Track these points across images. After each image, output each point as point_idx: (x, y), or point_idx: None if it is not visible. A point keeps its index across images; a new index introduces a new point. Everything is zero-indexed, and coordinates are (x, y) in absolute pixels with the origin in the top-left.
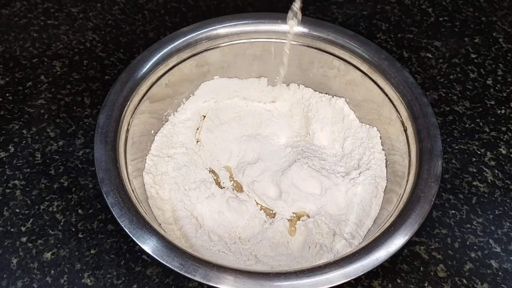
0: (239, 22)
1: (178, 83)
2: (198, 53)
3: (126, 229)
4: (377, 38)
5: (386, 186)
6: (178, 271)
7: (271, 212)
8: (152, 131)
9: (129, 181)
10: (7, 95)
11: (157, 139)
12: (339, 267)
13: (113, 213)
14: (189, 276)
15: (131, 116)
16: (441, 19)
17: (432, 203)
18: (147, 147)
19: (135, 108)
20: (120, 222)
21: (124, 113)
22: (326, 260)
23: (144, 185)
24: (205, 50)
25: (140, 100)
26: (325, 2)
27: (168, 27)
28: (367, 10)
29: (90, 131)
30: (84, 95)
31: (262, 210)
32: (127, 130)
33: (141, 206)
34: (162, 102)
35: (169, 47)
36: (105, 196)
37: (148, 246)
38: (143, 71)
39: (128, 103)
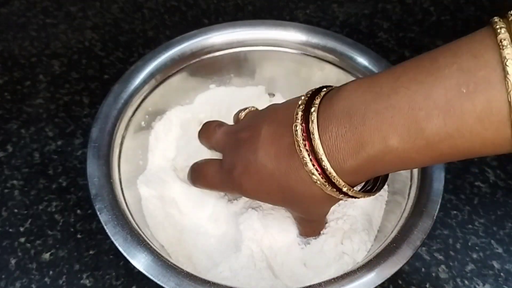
0: (235, 30)
1: (173, 93)
2: (193, 63)
3: (120, 248)
4: (378, 37)
5: (387, 199)
6: None
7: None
8: (147, 144)
9: (123, 196)
10: (5, 94)
11: (152, 152)
12: (339, 286)
13: (107, 231)
14: None
15: (125, 129)
16: (442, 18)
17: (435, 218)
18: (142, 161)
19: (129, 121)
20: (114, 241)
21: (117, 126)
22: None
23: (141, 200)
24: (201, 59)
25: (134, 112)
26: (326, 1)
27: (168, 26)
28: (368, 9)
29: (88, 130)
30: (83, 94)
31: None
32: (121, 143)
33: (135, 222)
34: (157, 113)
35: (163, 57)
36: (98, 213)
37: (142, 264)
38: (137, 82)
39: (122, 115)
